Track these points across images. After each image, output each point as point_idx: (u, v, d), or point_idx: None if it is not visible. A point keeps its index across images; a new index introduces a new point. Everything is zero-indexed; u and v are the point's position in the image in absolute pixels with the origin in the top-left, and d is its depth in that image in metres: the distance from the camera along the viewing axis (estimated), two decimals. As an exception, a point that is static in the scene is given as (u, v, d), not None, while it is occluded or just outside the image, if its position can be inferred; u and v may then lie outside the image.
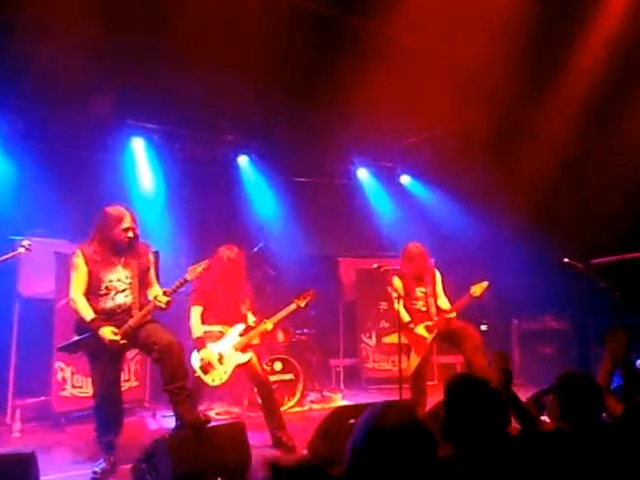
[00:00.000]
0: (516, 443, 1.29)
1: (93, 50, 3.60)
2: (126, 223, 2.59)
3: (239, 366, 3.03)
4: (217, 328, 3.12)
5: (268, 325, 3.07)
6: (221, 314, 3.12)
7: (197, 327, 3.06)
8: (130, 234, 2.60)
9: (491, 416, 1.29)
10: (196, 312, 3.08)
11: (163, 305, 2.53)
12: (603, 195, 4.30)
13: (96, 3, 3.28)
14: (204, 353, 2.99)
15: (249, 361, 3.02)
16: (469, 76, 4.02)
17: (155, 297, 2.56)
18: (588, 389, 1.61)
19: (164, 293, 2.56)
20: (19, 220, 3.66)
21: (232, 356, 3.03)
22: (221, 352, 3.04)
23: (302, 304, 3.09)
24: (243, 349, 3.04)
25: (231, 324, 3.11)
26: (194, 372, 2.98)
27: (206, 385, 3.03)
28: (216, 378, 3.01)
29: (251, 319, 3.18)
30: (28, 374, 3.48)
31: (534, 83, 4.18)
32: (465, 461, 1.25)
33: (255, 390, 3.17)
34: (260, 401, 3.10)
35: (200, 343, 3.02)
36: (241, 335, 3.07)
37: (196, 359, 3.02)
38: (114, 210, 2.62)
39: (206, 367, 2.99)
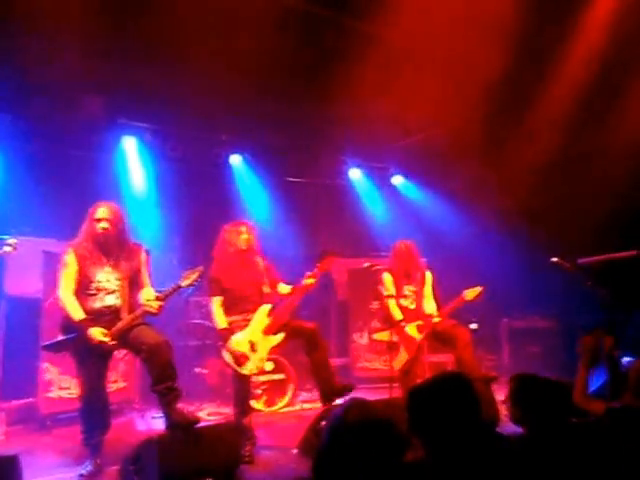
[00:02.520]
0: (483, 443, 1.25)
1: (84, 48, 3.57)
2: (97, 214, 2.54)
3: (274, 347, 2.89)
4: (240, 317, 2.90)
5: (310, 280, 2.82)
6: (242, 302, 2.87)
7: (220, 318, 2.83)
8: (103, 224, 2.53)
9: (455, 412, 1.25)
10: (216, 303, 2.85)
11: (154, 310, 2.47)
12: (591, 195, 4.36)
13: (87, 2, 3.25)
14: (234, 345, 2.77)
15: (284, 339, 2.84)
16: (460, 77, 4.06)
17: (147, 301, 2.50)
18: (537, 391, 1.58)
19: (156, 298, 2.50)
20: (7, 219, 3.60)
21: (264, 341, 2.83)
22: (252, 340, 2.82)
23: (325, 267, 2.87)
24: (274, 330, 2.85)
25: (255, 311, 2.89)
26: (228, 366, 2.82)
27: (246, 378, 2.80)
28: (253, 367, 2.80)
29: (285, 289, 2.96)
30: (14, 375, 3.40)
31: (525, 83, 4.24)
32: (434, 458, 1.23)
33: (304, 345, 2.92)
34: (307, 356, 2.90)
35: (226, 335, 2.81)
36: (269, 316, 2.86)
37: (227, 353, 2.80)
38: (93, 205, 2.60)
39: (240, 359, 2.76)
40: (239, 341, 2.83)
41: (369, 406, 1.13)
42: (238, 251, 2.91)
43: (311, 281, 2.86)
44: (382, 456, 1.03)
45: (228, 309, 2.90)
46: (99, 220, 2.54)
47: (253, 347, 2.85)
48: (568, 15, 3.63)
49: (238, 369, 2.80)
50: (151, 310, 2.48)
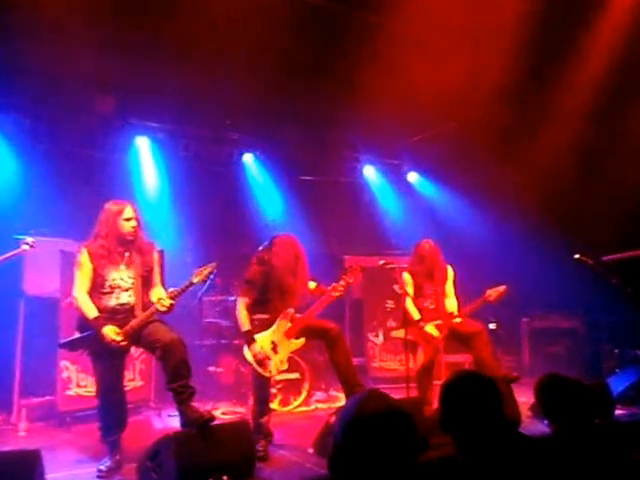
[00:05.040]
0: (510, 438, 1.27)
1: (98, 49, 3.61)
2: (127, 214, 2.58)
3: (294, 351, 2.92)
4: (265, 317, 2.91)
5: (336, 292, 2.87)
6: (275, 305, 2.90)
7: (244, 320, 2.83)
8: (133, 223, 2.58)
9: (486, 406, 1.28)
10: (242, 304, 2.87)
11: (165, 308, 2.48)
12: (615, 190, 4.22)
13: (101, 2, 3.28)
14: (257, 345, 2.78)
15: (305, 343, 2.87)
16: (477, 70, 3.97)
17: (158, 299, 2.52)
18: (562, 391, 1.59)
19: (169, 296, 2.51)
20: (24, 219, 3.67)
21: (285, 344, 2.87)
22: (274, 341, 2.85)
23: (350, 280, 2.93)
24: (295, 334, 2.87)
25: (280, 312, 2.89)
26: (249, 365, 2.83)
27: (264, 377, 2.80)
28: (273, 369, 2.82)
29: (312, 284, 2.98)
30: (33, 373, 3.47)
31: (544, 77, 4.12)
32: (465, 451, 1.24)
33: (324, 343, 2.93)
34: (329, 357, 2.89)
35: (249, 336, 2.81)
36: (291, 321, 2.87)
37: (248, 353, 2.80)
38: (113, 204, 2.62)
39: (262, 359, 2.78)
40: (262, 341, 2.84)
41: (381, 396, 1.09)
42: (286, 263, 2.90)
43: (337, 293, 2.89)
44: (398, 449, 1.01)
45: (257, 308, 2.91)
46: (129, 219, 2.57)
47: (275, 348, 2.86)
48: (591, 2, 3.50)
49: (259, 369, 2.80)
50: (162, 309, 2.49)
